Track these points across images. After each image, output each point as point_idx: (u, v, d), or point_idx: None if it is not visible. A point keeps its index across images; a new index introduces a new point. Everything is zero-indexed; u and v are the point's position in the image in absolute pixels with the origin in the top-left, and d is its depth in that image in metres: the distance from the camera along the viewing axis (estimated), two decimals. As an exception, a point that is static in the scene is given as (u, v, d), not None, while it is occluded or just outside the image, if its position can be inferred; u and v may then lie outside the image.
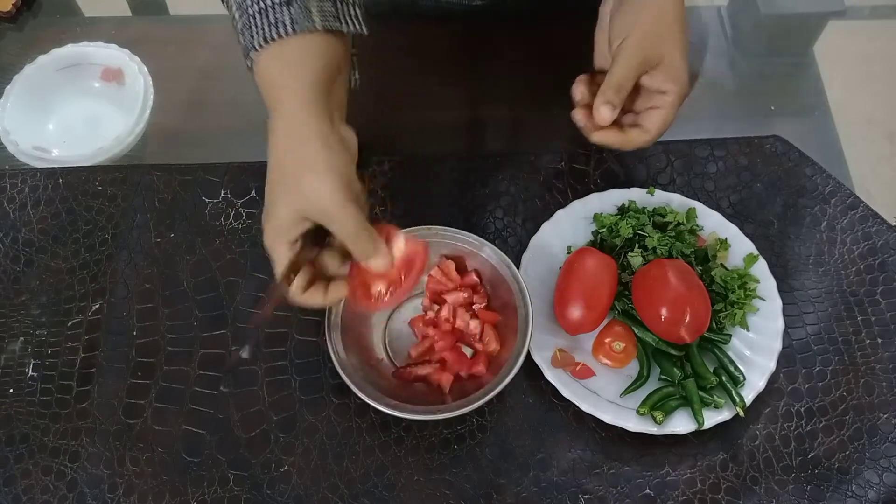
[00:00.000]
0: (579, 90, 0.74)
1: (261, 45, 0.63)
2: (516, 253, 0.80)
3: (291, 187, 0.62)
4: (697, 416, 0.72)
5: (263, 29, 0.63)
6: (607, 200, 0.84)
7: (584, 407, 0.73)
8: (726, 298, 0.78)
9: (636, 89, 0.73)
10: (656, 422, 0.72)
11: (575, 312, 0.74)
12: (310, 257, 0.65)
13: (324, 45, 0.64)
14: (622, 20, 0.72)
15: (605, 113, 0.71)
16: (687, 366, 0.75)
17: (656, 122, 0.73)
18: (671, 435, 0.72)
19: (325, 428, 0.74)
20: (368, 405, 0.70)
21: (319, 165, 0.61)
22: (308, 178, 0.61)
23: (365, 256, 0.65)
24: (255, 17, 0.63)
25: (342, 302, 0.73)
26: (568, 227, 0.82)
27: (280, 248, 0.64)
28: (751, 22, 1.09)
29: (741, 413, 0.72)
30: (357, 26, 0.65)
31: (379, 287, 0.69)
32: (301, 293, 0.65)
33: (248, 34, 0.64)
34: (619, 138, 0.73)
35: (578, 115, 0.73)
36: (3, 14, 1.04)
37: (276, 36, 0.62)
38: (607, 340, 0.76)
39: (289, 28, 0.62)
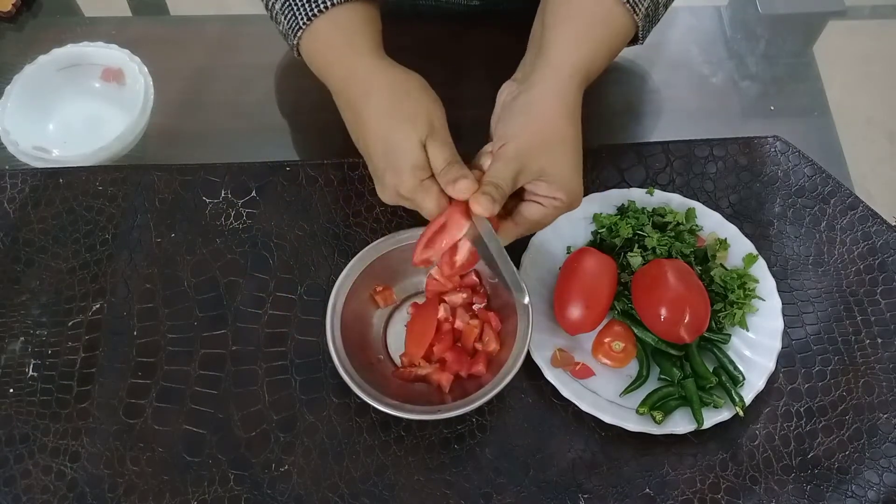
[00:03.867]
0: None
1: (305, 24, 0.67)
2: (516, 253, 0.80)
3: (408, 117, 0.66)
4: (697, 416, 0.72)
5: (306, 6, 0.68)
6: (607, 200, 0.84)
7: (584, 406, 0.73)
8: (726, 298, 0.78)
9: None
10: (656, 421, 0.72)
11: (574, 312, 0.74)
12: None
13: (364, 12, 0.70)
14: (506, 125, 0.69)
15: (484, 202, 0.65)
16: (686, 365, 0.75)
17: (531, 217, 0.69)
18: (671, 435, 0.72)
19: (326, 428, 0.74)
20: (368, 405, 0.70)
21: (422, 88, 0.69)
22: (415, 98, 0.67)
23: (452, 180, 0.66)
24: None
25: (343, 301, 0.73)
26: (567, 228, 0.82)
27: (413, 185, 0.66)
28: (751, 22, 1.09)
29: (741, 413, 0.73)
30: None
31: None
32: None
33: (291, 14, 0.67)
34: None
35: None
36: (3, 14, 1.04)
37: (321, 9, 0.67)
38: (607, 340, 0.76)
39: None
